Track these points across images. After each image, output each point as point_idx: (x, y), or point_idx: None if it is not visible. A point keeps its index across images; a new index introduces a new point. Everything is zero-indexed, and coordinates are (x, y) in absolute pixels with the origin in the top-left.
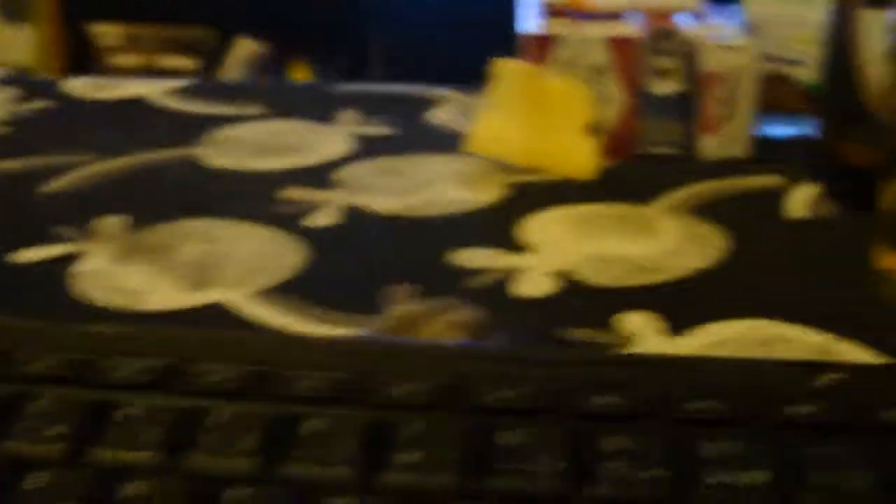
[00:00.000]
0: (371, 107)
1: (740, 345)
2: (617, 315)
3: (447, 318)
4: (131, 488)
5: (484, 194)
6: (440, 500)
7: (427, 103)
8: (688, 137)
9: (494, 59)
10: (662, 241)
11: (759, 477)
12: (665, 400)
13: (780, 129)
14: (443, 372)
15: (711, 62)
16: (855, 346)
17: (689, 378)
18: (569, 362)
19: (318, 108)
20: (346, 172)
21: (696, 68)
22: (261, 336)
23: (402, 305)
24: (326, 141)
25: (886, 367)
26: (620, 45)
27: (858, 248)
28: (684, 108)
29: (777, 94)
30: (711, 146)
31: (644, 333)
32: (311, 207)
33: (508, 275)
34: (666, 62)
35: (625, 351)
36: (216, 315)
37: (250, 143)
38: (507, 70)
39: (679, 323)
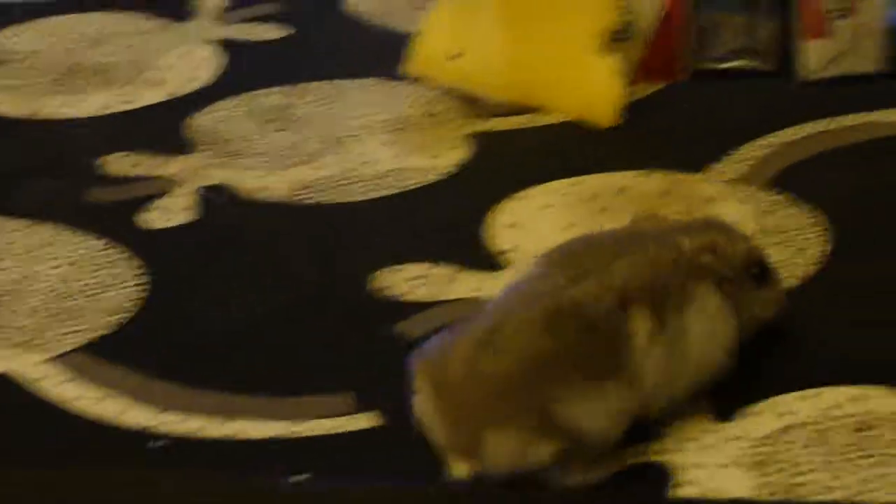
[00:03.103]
0: None
1: (828, 434)
2: None
3: None
4: None
5: (435, 157)
6: None
7: None
8: (778, 44)
9: None
10: None
11: None
12: None
13: None
14: None
15: None
16: None
17: None
18: None
19: None
20: (206, 120)
21: None
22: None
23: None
24: (175, 55)
25: None
26: None
27: None
28: None
29: None
30: (818, 57)
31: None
32: (150, 191)
33: (472, 309)
34: None
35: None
36: None
37: (48, 64)
38: None
39: (736, 397)
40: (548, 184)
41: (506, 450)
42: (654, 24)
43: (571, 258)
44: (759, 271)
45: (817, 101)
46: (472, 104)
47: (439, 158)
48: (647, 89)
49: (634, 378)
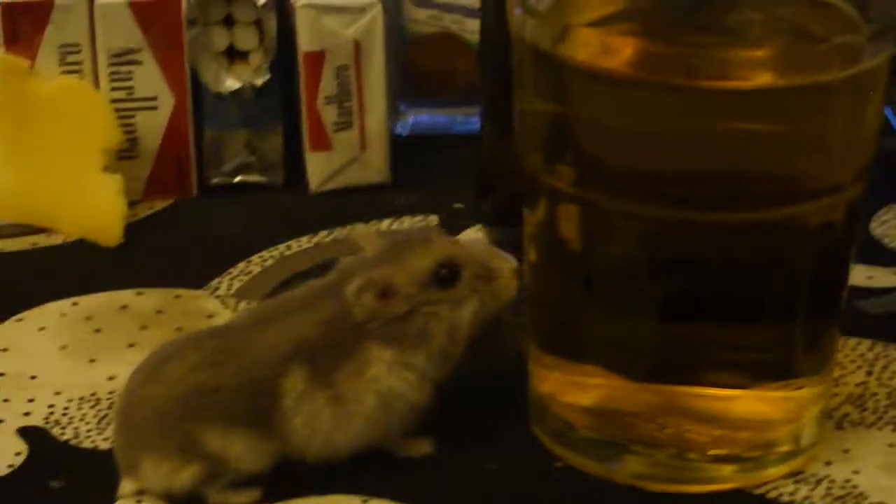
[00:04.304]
0: None
1: None
2: None
3: None
4: None
5: None
6: None
7: None
8: (284, 157)
9: None
10: None
11: None
12: None
13: (455, 122)
14: None
15: (312, 33)
16: None
17: None
18: None
19: None
20: None
21: (290, 42)
22: None
23: None
24: None
25: None
26: (155, 13)
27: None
28: (273, 109)
29: (443, 63)
30: (322, 169)
31: None
32: None
33: None
34: (241, 36)
35: None
36: None
37: None
38: None
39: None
40: (45, 305)
41: (156, 472)
42: (159, 141)
43: (268, 306)
44: (447, 273)
45: (321, 214)
46: None
47: None
48: (153, 207)
49: (281, 432)
